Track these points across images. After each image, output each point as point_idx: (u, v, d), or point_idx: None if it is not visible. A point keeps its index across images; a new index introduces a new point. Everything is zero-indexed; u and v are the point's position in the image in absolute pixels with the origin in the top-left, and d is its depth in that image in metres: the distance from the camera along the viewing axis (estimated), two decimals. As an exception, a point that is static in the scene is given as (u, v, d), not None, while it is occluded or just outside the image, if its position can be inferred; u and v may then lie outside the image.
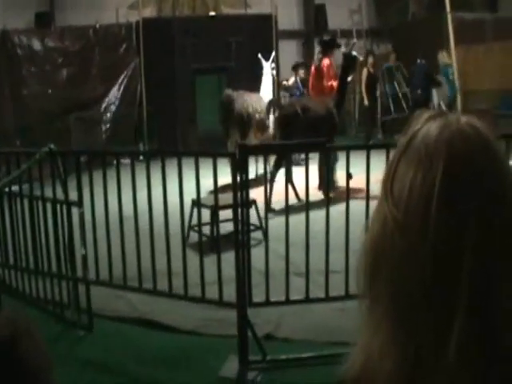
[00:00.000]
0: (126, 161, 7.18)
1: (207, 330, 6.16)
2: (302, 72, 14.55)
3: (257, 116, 11.74)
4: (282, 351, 5.65)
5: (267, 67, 13.52)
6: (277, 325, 6.17)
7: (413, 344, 0.99)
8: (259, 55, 13.74)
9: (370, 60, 15.40)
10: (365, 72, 15.10)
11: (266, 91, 13.02)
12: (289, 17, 18.22)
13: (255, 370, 5.48)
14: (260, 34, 16.68)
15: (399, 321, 1.01)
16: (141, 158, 9.07)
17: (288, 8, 18.21)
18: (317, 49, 13.44)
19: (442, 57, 15.31)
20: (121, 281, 6.33)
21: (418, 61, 16.24)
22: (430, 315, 0.98)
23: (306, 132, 9.19)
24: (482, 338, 0.96)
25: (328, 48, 12.25)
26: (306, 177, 6.03)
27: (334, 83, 11.67)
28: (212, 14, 17.88)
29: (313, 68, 12.43)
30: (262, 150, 6.58)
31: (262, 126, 11.87)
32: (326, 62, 12.04)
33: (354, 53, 11.73)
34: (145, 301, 6.56)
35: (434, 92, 15.96)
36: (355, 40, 13.10)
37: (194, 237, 7.85)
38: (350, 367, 1.08)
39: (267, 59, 13.67)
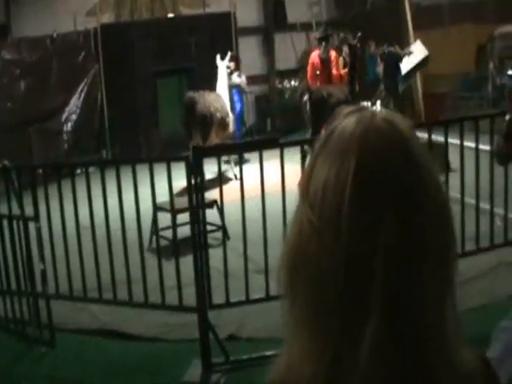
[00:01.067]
0: (91, 169, 7.05)
1: (169, 335, 6.14)
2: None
3: (218, 115, 11.78)
4: (246, 351, 5.64)
5: (222, 66, 13.48)
6: (239, 325, 6.16)
7: (330, 347, 0.98)
8: (217, 55, 13.63)
9: (345, 49, 15.32)
10: (341, 61, 15.04)
11: (221, 90, 12.98)
12: (248, 13, 18.14)
13: (219, 372, 5.49)
14: (220, 32, 16.63)
15: (316, 324, 1.00)
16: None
17: (246, 4, 18.13)
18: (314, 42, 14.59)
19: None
20: (81, 293, 6.29)
21: (388, 49, 16.22)
22: (344, 318, 0.97)
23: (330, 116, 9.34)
24: (397, 339, 0.95)
25: (328, 40, 13.54)
26: (260, 174, 6.00)
27: (343, 72, 13.09)
28: (171, 15, 17.80)
29: (315, 60, 13.25)
30: (216, 151, 6.56)
31: (224, 124, 11.94)
32: (333, 53, 13.39)
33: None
34: (106, 311, 6.53)
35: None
36: (359, 33, 13.67)
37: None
38: (276, 370, 1.06)
39: (224, 59, 13.60)
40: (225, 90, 12.90)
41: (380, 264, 0.93)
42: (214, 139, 11.53)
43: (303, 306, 1.01)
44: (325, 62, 13.19)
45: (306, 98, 12.57)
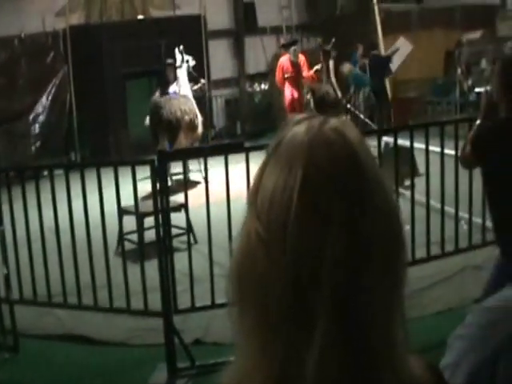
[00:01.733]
0: (58, 171, 6.94)
1: (135, 340, 6.10)
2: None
3: (186, 118, 11.69)
4: (212, 356, 5.60)
5: (183, 67, 13.28)
6: (205, 330, 6.14)
7: (280, 354, 0.96)
8: (178, 55, 13.23)
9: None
10: (331, 64, 15.01)
11: (186, 91, 12.78)
12: (218, 16, 18.12)
13: (184, 377, 5.46)
14: (190, 35, 16.58)
15: (266, 332, 0.98)
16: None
17: (217, 8, 18.10)
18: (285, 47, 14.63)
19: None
20: (45, 298, 6.22)
21: (372, 52, 16.29)
22: (293, 326, 0.95)
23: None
24: (346, 343, 0.94)
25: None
26: (226, 179, 5.99)
27: (312, 73, 13.72)
28: (140, 17, 17.73)
29: (286, 64, 13.77)
30: (181, 155, 6.54)
31: (192, 127, 11.86)
32: (302, 57, 13.97)
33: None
34: (71, 316, 6.46)
35: None
36: (333, 39, 14.13)
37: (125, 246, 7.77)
38: (228, 375, 1.05)
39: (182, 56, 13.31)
40: (189, 90, 12.78)
41: (327, 274, 0.92)
42: (183, 142, 11.48)
43: (252, 315, 1.00)
44: (295, 65, 13.70)
45: (309, 96, 13.38)
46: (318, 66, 13.65)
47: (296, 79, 13.67)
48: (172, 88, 12.80)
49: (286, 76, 13.65)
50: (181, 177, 8.51)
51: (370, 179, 0.97)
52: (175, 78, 12.87)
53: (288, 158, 0.97)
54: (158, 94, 12.60)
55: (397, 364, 0.98)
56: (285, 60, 13.84)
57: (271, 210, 0.95)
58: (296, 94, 13.62)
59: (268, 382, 0.97)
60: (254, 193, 1.00)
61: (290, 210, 0.93)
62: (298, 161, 0.95)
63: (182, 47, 12.99)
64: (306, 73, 13.71)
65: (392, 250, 0.99)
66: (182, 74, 12.76)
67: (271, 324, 0.97)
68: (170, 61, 13.25)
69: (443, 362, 1.42)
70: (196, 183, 10.60)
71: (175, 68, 12.91)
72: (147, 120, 12.18)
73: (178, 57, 12.96)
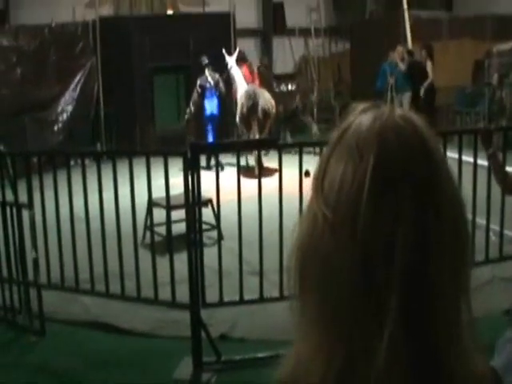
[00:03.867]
0: (86, 161, 7.00)
1: (161, 331, 6.10)
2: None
3: (273, 110, 13.27)
4: (237, 351, 5.62)
5: (232, 61, 13.94)
6: (232, 325, 6.13)
7: (342, 346, 0.95)
8: (223, 50, 13.83)
9: (424, 53, 15.16)
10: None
11: (241, 83, 13.78)
12: (247, 15, 18.15)
13: (210, 372, 5.45)
14: (218, 32, 16.61)
15: (327, 325, 0.96)
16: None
17: (246, 6, 18.16)
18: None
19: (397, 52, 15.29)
20: (73, 284, 6.24)
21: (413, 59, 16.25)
22: (358, 320, 0.94)
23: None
24: (414, 339, 0.93)
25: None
26: (258, 176, 5.99)
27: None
28: (170, 12, 17.78)
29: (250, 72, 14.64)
30: (214, 149, 6.54)
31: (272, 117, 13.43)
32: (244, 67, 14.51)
33: None
34: (98, 303, 6.48)
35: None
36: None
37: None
38: (282, 370, 1.04)
39: (230, 55, 14.01)
40: (242, 80, 13.85)
41: (397, 263, 0.91)
42: (266, 130, 13.17)
43: (314, 304, 0.98)
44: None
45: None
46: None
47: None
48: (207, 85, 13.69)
49: None
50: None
51: (439, 167, 0.97)
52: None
53: (357, 145, 0.96)
54: (197, 90, 13.65)
55: (462, 360, 0.98)
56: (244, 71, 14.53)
57: (340, 195, 0.95)
58: None
59: (328, 375, 0.96)
60: (319, 178, 1.00)
61: (361, 196, 0.93)
62: (369, 148, 0.95)
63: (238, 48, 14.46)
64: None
65: (461, 243, 0.99)
66: (237, 73, 13.88)
67: (336, 312, 0.95)
68: (206, 61, 13.81)
69: (492, 364, 1.41)
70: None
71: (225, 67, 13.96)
72: (188, 112, 13.77)
73: (231, 59, 13.93)
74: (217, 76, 13.82)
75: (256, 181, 5.99)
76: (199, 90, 13.67)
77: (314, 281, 0.98)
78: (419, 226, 0.93)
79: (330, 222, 0.95)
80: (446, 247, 0.95)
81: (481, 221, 6.37)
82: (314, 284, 0.98)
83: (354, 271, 0.93)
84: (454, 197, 0.99)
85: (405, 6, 16.25)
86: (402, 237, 0.91)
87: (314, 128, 15.10)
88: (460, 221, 1.00)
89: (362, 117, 1.00)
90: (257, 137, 12.47)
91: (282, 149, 6.06)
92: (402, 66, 14.91)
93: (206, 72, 13.71)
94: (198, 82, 13.76)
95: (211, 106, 13.73)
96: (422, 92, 14.50)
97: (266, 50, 18.82)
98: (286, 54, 19.18)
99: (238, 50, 14.20)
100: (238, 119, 13.32)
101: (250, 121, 12.84)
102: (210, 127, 13.75)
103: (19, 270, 6.18)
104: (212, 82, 13.66)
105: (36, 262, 6.13)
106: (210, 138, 13.69)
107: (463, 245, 1.00)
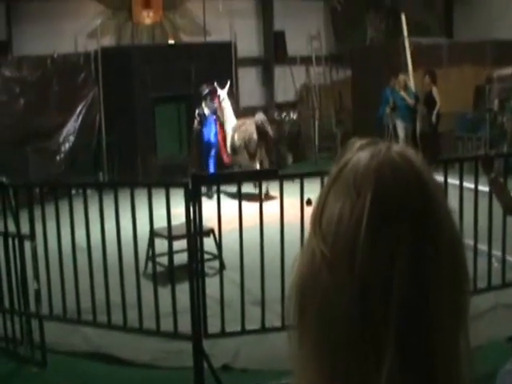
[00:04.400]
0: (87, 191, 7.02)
1: (164, 362, 6.08)
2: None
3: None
4: (240, 382, 5.61)
5: (223, 94, 14.02)
6: (234, 355, 6.11)
7: (339, 381, 0.95)
8: (215, 84, 13.94)
9: (427, 79, 15.24)
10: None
11: (231, 115, 14.04)
12: (248, 44, 18.25)
13: (212, 402, 5.41)
14: (220, 61, 16.71)
15: (324, 360, 0.96)
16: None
17: (247, 35, 18.26)
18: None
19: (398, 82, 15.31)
20: (75, 315, 6.22)
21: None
22: (355, 355, 0.94)
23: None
24: (412, 374, 0.93)
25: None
26: (259, 205, 6.00)
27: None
28: (171, 42, 17.90)
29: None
30: (215, 180, 6.56)
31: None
32: None
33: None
34: (100, 334, 6.46)
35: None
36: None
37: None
38: None
39: (223, 87, 14.08)
40: (232, 114, 14.08)
41: (394, 298, 0.92)
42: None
43: (313, 338, 0.98)
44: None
45: None
46: None
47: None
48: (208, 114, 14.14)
49: None
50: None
51: (436, 203, 0.98)
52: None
53: (355, 182, 0.97)
54: (197, 120, 14.14)
55: None
56: None
57: (338, 232, 0.96)
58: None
59: None
60: (317, 215, 1.00)
61: (358, 233, 0.93)
62: (366, 185, 0.96)
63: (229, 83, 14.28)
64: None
65: (458, 275, 0.99)
66: (228, 106, 14.06)
67: (333, 347, 0.95)
68: (206, 91, 14.13)
69: None
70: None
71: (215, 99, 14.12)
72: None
73: (223, 91, 13.99)
74: (215, 105, 14.08)
75: (257, 207, 6.00)
76: (198, 119, 14.11)
77: (312, 316, 0.98)
78: (417, 260, 0.93)
79: (328, 258, 0.96)
80: (444, 280, 0.96)
81: (483, 247, 6.36)
82: (312, 319, 0.98)
83: (352, 306, 0.93)
84: (451, 229, 0.99)
85: (405, 33, 16.34)
86: (400, 272, 0.92)
87: (289, 159, 15.03)
88: (458, 253, 1.00)
89: (359, 154, 1.01)
90: (266, 161, 13.56)
91: (282, 179, 6.08)
92: (409, 100, 14.93)
93: (203, 103, 14.14)
94: (197, 112, 14.22)
95: (208, 133, 14.15)
96: (433, 119, 14.60)
97: (268, 79, 18.91)
98: (288, 82, 19.27)
99: (228, 83, 14.31)
100: (229, 149, 13.86)
101: (256, 149, 13.40)
102: (209, 154, 14.17)
103: (21, 300, 6.17)
104: (208, 112, 14.08)
105: (38, 292, 6.12)
106: (211, 166, 14.09)
107: (462, 277, 1.00)
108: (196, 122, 14.11)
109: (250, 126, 13.50)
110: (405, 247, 0.93)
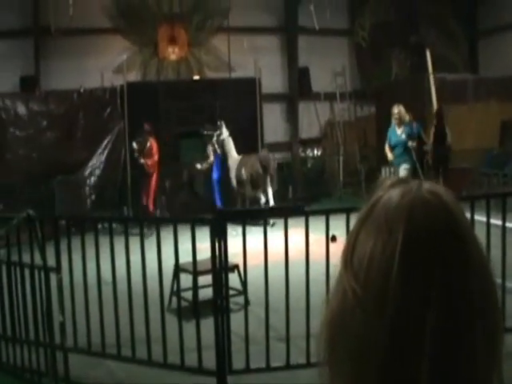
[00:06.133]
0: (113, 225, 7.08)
1: (187, 398, 6.03)
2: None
3: None
4: (264, 419, 5.53)
5: (226, 132, 14.99)
6: (258, 392, 6.05)
7: None
8: (220, 122, 15.00)
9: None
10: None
11: (233, 152, 15.05)
12: (272, 80, 18.38)
13: None
14: (244, 97, 16.84)
15: None
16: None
17: (272, 71, 18.39)
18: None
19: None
20: (99, 348, 6.21)
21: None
22: None
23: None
24: None
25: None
26: (285, 242, 5.99)
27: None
28: (196, 77, 18.06)
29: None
30: (241, 215, 6.57)
31: None
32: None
33: None
34: (124, 368, 6.42)
35: None
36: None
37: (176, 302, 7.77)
38: None
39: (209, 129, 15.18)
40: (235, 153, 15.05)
41: (427, 340, 0.91)
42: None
43: (344, 375, 0.98)
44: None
45: None
46: None
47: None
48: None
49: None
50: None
51: (468, 241, 0.97)
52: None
53: (386, 220, 0.97)
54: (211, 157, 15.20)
55: None
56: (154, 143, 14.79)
57: (370, 271, 0.96)
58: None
59: None
60: (349, 252, 1.01)
61: (390, 272, 0.93)
62: (398, 224, 0.96)
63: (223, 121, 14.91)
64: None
65: (492, 315, 0.98)
66: (230, 143, 14.97)
67: None
68: (208, 132, 15.08)
69: None
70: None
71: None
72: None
73: (226, 130, 14.84)
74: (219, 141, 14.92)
75: (280, 243, 5.99)
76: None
77: (344, 353, 0.98)
78: (449, 301, 0.92)
79: (360, 297, 0.96)
80: (477, 321, 0.95)
81: (510, 284, 6.28)
82: (344, 356, 0.98)
83: (383, 344, 0.93)
84: (483, 269, 0.99)
85: (430, 69, 16.37)
86: (432, 313, 0.91)
87: (262, 200, 15.02)
88: (490, 294, 0.99)
89: (390, 192, 1.01)
90: (270, 190, 14.78)
91: (308, 215, 6.07)
92: (403, 135, 12.81)
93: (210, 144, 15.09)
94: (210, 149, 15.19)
95: (216, 170, 15.24)
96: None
97: (292, 115, 18.97)
98: (312, 118, 19.34)
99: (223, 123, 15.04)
100: (235, 184, 14.83)
101: (258, 182, 14.63)
102: (215, 190, 15.20)
103: (46, 332, 6.17)
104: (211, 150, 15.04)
105: (63, 325, 6.12)
106: (218, 201, 15.03)
107: (495, 316, 0.99)
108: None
109: (255, 162, 14.67)
110: (437, 288, 0.92)
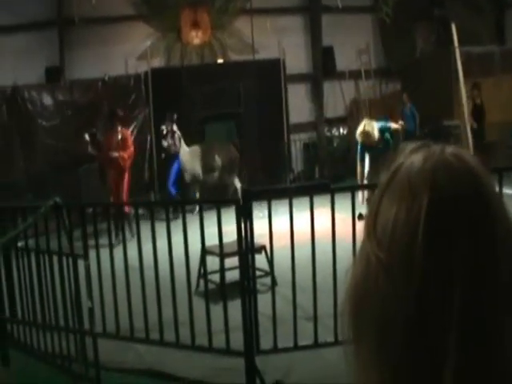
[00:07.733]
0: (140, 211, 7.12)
1: (216, 379, 6.05)
2: None
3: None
4: (293, 398, 5.54)
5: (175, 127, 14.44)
6: (287, 371, 6.05)
7: None
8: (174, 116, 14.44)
9: (475, 92, 15.10)
10: (470, 104, 14.83)
11: (183, 145, 14.58)
12: (297, 60, 18.28)
13: (266, 419, 5.38)
14: (268, 78, 16.81)
15: (385, 365, 0.94)
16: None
17: (295, 52, 18.29)
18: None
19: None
20: (127, 332, 6.27)
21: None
22: (417, 360, 0.91)
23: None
24: (476, 378, 0.90)
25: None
26: (311, 220, 5.96)
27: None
28: (220, 61, 18.04)
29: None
30: (266, 195, 6.55)
31: None
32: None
33: None
34: (152, 352, 6.48)
35: None
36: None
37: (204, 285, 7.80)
38: None
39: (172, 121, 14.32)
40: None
41: (455, 304, 0.89)
42: None
43: (370, 348, 0.96)
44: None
45: None
46: None
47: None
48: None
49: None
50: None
51: (493, 204, 0.95)
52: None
53: (410, 185, 0.95)
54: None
55: None
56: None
57: (394, 237, 0.94)
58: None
59: None
60: (371, 220, 0.99)
61: (415, 238, 0.91)
62: (422, 187, 0.94)
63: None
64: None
65: None
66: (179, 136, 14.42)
67: (392, 354, 0.93)
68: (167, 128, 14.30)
69: None
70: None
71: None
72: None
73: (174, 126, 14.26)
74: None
75: (306, 222, 5.97)
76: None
77: (369, 325, 0.96)
78: (475, 265, 0.90)
79: (384, 264, 0.94)
80: (503, 286, 0.93)
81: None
82: (369, 328, 0.96)
83: (410, 314, 0.91)
84: (509, 233, 0.96)
85: (455, 43, 16.15)
86: (459, 278, 0.90)
87: (238, 186, 14.78)
88: None
89: (412, 157, 0.99)
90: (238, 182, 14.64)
91: (334, 193, 6.03)
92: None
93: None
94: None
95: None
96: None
97: (317, 95, 18.88)
98: (337, 98, 19.22)
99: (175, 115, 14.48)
100: (200, 170, 14.45)
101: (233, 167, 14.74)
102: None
103: (75, 318, 6.23)
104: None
105: (91, 311, 6.17)
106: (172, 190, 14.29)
107: None
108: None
109: (232, 148, 14.86)
110: (464, 251, 0.91)
